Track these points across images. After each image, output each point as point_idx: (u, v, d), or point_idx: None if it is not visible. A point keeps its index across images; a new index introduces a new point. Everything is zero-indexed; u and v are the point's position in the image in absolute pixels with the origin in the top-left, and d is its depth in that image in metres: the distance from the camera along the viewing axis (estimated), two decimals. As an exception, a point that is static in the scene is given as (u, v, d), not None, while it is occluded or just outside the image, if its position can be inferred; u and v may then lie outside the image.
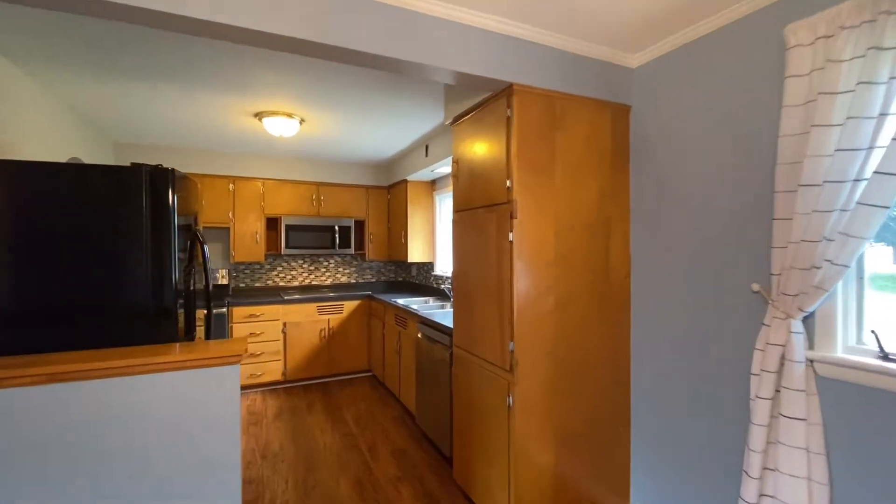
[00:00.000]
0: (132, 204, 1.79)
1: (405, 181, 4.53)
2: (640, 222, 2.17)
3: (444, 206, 4.57)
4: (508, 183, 1.91)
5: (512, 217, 1.89)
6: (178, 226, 2.06)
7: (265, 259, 4.77)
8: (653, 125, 2.11)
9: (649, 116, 2.13)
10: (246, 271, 4.74)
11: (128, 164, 1.82)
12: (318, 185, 4.74)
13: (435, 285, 4.56)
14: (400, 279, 5.48)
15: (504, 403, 1.94)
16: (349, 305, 4.56)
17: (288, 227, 4.51)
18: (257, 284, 4.78)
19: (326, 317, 4.45)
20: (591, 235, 2.09)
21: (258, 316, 4.16)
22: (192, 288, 2.16)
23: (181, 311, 1.99)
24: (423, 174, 4.25)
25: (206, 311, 2.29)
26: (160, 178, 1.84)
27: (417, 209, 4.56)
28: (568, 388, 2.02)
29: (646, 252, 2.14)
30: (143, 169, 1.80)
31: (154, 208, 1.83)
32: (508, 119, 1.91)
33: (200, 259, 2.25)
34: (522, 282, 1.90)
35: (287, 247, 4.50)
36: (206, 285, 2.23)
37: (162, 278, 1.84)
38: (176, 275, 1.87)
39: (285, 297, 4.29)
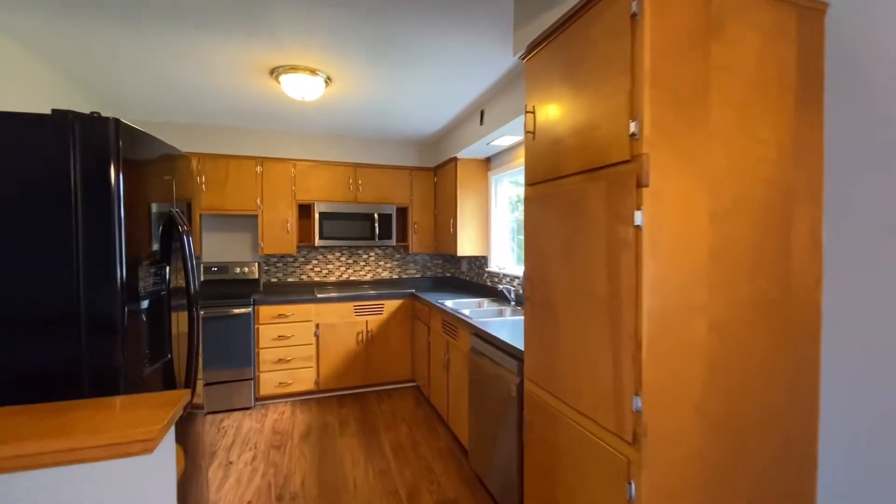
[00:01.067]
0: (51, 169, 1.20)
1: (454, 160, 3.82)
2: (843, 200, 1.32)
3: (501, 188, 3.81)
4: (633, 127, 1.13)
5: (639, 185, 1.12)
6: (153, 210, 1.47)
7: (298, 251, 4.26)
8: (873, 39, 1.24)
9: (864, 23, 1.26)
10: (278, 264, 4.25)
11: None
12: (355, 166, 4.14)
13: (489, 283, 3.83)
14: (448, 275, 4.80)
15: (621, 493, 1.19)
16: (390, 305, 3.94)
17: (322, 216, 3.95)
18: (290, 279, 4.28)
19: (364, 318, 3.86)
20: (765, 219, 1.27)
21: (288, 316, 3.64)
22: (163, 291, 1.57)
23: (143, 322, 1.40)
24: (477, 149, 3.51)
25: (192, 320, 1.71)
26: (98, 134, 1.24)
27: (469, 193, 3.84)
28: (725, 464, 1.23)
29: (856, 249, 1.29)
30: (68, 117, 1.21)
31: (89, 176, 1.23)
32: (634, 19, 1.13)
33: (184, 253, 1.66)
34: (657, 296, 1.12)
35: (321, 237, 3.94)
36: (189, 286, 1.64)
37: (105, 277, 1.25)
38: (122, 272, 1.28)
39: (319, 296, 3.74)
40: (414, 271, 4.69)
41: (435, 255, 4.77)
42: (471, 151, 3.60)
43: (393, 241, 4.17)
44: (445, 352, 3.04)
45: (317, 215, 3.93)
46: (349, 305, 3.82)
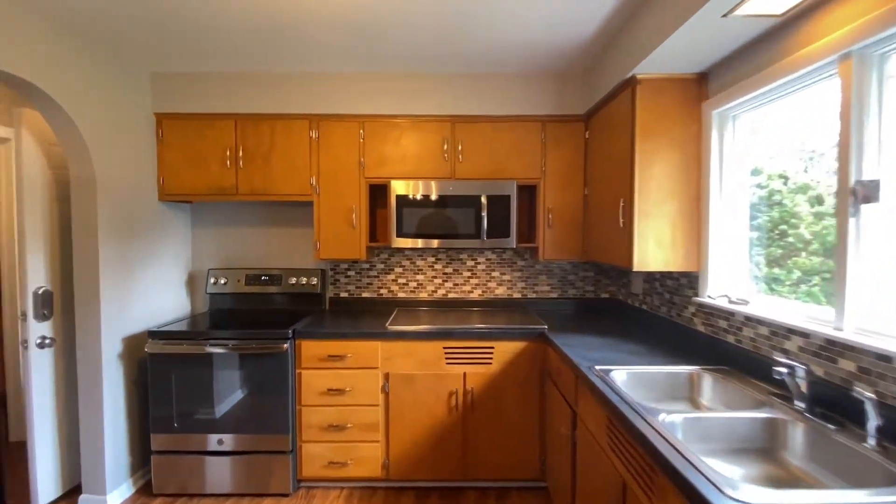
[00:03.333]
0: None
1: (632, 82, 1.97)
2: None
3: (732, 135, 1.83)
4: None
5: None
6: None
7: (373, 255, 2.94)
8: None
9: None
10: (349, 273, 2.98)
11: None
12: (453, 120, 2.60)
13: (702, 329, 1.91)
14: (604, 296, 2.95)
15: None
16: (504, 349, 2.32)
17: (400, 202, 2.53)
18: (365, 294, 2.99)
19: (461, 368, 2.32)
20: None
21: (343, 358, 2.32)
22: None
23: None
24: (684, 44, 1.62)
25: None
26: None
27: (659, 149, 1.97)
28: None
29: None
30: None
31: None
32: None
33: None
34: None
35: (399, 234, 2.53)
36: None
37: None
38: None
39: (390, 328, 2.33)
40: (547, 288, 2.97)
41: (581, 264, 2.97)
42: (667, 57, 1.73)
43: (512, 241, 2.53)
44: (619, 491, 1.30)
45: (394, 202, 2.52)
46: (436, 346, 2.32)
